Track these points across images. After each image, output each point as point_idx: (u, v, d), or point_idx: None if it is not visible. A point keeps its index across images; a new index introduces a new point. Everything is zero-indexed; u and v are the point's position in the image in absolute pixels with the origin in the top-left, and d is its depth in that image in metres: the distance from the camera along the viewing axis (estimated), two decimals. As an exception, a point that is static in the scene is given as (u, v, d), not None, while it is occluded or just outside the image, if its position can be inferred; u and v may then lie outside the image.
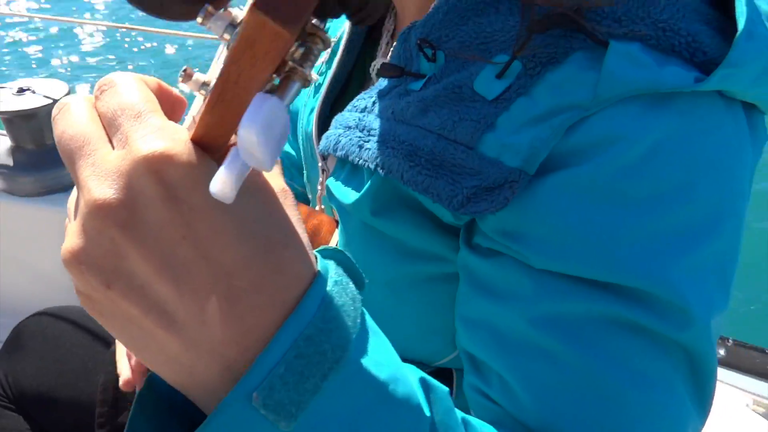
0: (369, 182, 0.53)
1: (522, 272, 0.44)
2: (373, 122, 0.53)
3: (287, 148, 0.90)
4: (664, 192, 0.42)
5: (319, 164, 0.69)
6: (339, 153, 0.55)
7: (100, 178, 0.28)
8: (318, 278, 0.32)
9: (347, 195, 0.55)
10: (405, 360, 0.37)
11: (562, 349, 0.43)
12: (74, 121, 0.30)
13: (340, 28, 0.72)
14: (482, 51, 0.47)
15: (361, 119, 0.54)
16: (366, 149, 0.52)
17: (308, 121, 0.73)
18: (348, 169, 0.57)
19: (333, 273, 0.34)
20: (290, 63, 0.28)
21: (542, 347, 0.44)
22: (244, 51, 0.25)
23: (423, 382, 0.37)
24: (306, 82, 0.28)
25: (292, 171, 0.89)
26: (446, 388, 0.37)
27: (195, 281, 0.29)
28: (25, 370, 0.98)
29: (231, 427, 0.29)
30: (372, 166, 0.51)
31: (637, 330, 0.42)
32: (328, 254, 0.35)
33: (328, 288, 0.32)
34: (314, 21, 0.28)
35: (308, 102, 0.74)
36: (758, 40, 0.43)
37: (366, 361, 0.32)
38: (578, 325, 0.43)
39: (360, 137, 0.53)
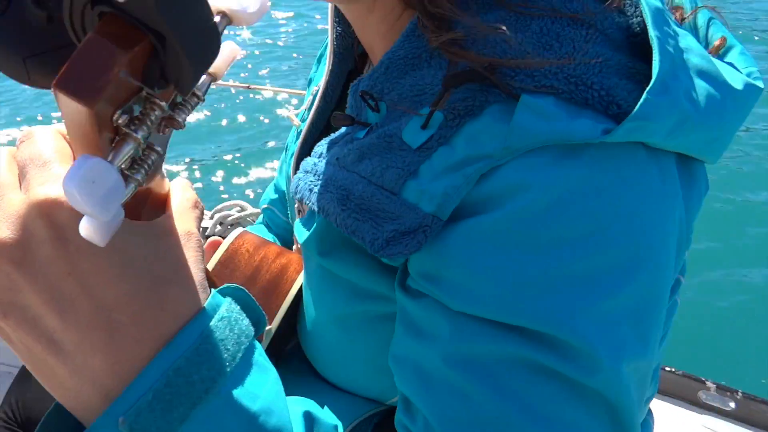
0: (315, 224, 0.56)
1: (441, 313, 0.46)
2: (323, 167, 0.56)
3: (283, 186, 0.94)
4: (571, 239, 0.43)
5: (296, 205, 0.73)
6: (297, 196, 0.58)
7: (1, 221, 0.32)
8: (200, 314, 0.35)
9: (303, 235, 0.59)
10: (360, 397, 0.39)
11: (474, 389, 0.44)
12: None
13: (322, 77, 0.76)
14: (415, 103, 0.49)
15: (316, 164, 0.57)
16: (314, 193, 0.55)
17: (288, 164, 0.77)
18: (308, 211, 0.60)
19: (223, 309, 0.37)
20: (122, 128, 0.31)
21: (456, 386, 0.45)
22: (65, 122, 0.30)
23: (307, 416, 0.40)
24: (138, 143, 0.31)
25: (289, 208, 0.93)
26: (334, 423, 0.39)
27: (78, 314, 0.32)
28: (32, 396, 1.03)
29: None
30: (316, 209, 0.54)
31: (547, 373, 0.43)
32: (228, 291, 0.39)
33: (211, 323, 0.35)
34: (148, 90, 0.32)
35: (291, 146, 0.78)
36: (673, 93, 0.44)
37: (238, 393, 0.35)
38: (490, 367, 0.44)
39: (311, 181, 0.56)
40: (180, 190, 0.42)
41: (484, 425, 0.44)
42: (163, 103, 0.33)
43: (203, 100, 0.38)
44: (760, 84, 0.55)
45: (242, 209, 1.73)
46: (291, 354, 0.77)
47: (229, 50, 0.40)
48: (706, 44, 0.57)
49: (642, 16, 0.47)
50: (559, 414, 0.43)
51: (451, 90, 0.46)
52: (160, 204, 0.40)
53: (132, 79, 0.31)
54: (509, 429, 0.43)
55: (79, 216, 0.31)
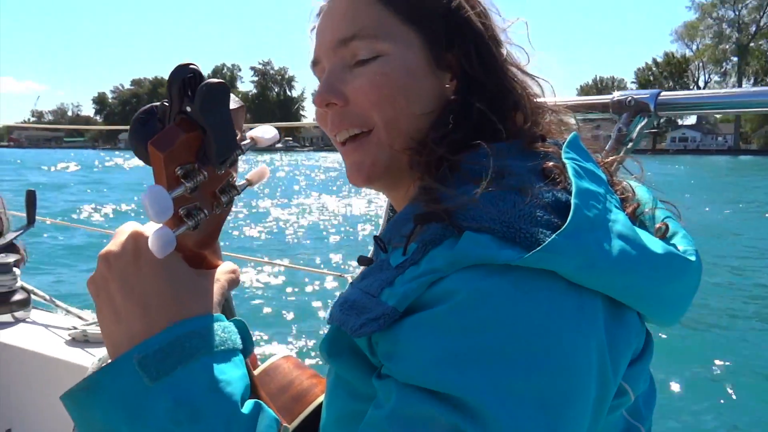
0: (329, 330, 0.71)
1: (393, 385, 0.61)
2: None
3: None
4: (487, 328, 0.58)
5: None
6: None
7: (114, 243, 0.67)
8: (206, 315, 0.66)
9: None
10: None
11: None
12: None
13: None
14: (402, 240, 0.69)
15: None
16: (331, 308, 0.71)
17: None
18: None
19: (224, 323, 0.67)
20: (180, 178, 0.62)
21: None
22: (152, 164, 0.62)
23: (257, 403, 0.64)
24: (186, 189, 0.62)
25: None
26: (274, 416, 0.65)
27: (133, 297, 0.64)
28: None
29: (120, 369, 0.60)
30: (328, 317, 0.71)
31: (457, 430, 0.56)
32: (233, 320, 0.69)
33: (209, 323, 0.65)
34: (198, 162, 0.64)
35: None
36: (582, 239, 0.61)
37: (211, 364, 0.62)
38: (421, 426, 0.57)
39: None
40: (227, 264, 0.74)
41: None
42: (205, 172, 0.63)
43: (240, 193, 0.70)
44: (691, 257, 0.73)
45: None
46: None
47: (261, 169, 0.76)
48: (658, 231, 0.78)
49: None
50: None
51: (419, 226, 0.67)
52: (212, 267, 0.73)
53: (186, 153, 0.62)
54: None
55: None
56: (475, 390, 0.56)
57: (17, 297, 2.44)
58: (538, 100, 0.85)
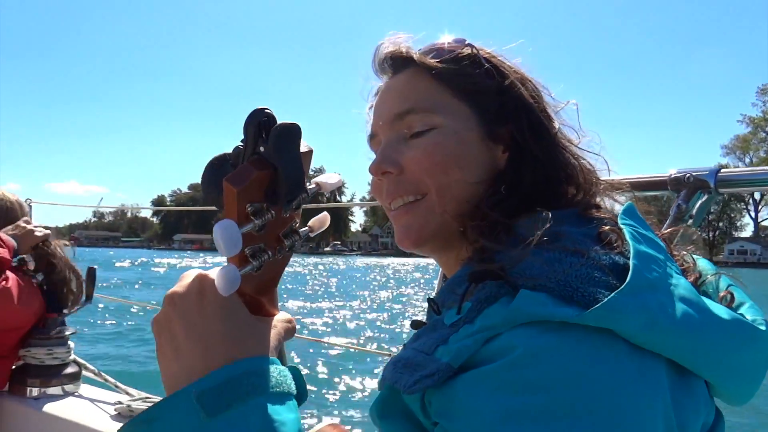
0: (380, 392, 0.72)
1: None
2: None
3: None
4: (543, 386, 0.57)
5: None
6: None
7: (180, 285, 0.68)
8: (262, 358, 0.65)
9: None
10: None
11: None
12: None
13: None
14: (456, 299, 0.70)
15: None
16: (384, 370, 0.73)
17: None
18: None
19: (279, 367, 0.65)
20: (249, 215, 0.64)
21: None
22: (225, 200, 0.64)
23: None
24: (254, 226, 0.64)
25: None
26: None
27: (195, 335, 0.64)
28: None
29: (178, 404, 0.59)
30: (380, 380, 0.72)
31: None
32: (289, 367, 0.68)
33: (265, 365, 0.64)
34: (267, 202, 0.66)
35: None
36: (642, 299, 0.61)
37: (266, 405, 0.60)
38: None
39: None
40: (283, 313, 0.74)
41: None
42: (273, 212, 0.66)
43: (302, 239, 0.72)
44: (761, 327, 0.70)
45: None
46: None
47: (323, 216, 0.77)
48: (723, 299, 0.76)
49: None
50: None
51: (474, 284, 0.68)
52: (269, 316, 0.73)
53: (257, 191, 0.64)
54: None
55: (215, 287, 0.64)
56: None
57: (69, 370, 2.48)
58: (592, 175, 0.86)
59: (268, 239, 0.68)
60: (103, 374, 2.61)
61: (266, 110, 0.65)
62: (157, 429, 0.59)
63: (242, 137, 0.66)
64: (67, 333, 2.48)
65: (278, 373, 0.65)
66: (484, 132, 0.85)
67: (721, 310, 0.68)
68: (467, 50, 0.87)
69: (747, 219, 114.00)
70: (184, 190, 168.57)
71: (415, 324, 0.80)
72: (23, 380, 2.40)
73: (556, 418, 0.56)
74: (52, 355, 2.42)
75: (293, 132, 0.65)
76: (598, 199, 0.84)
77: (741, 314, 0.72)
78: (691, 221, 1.27)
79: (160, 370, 0.66)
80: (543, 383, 0.57)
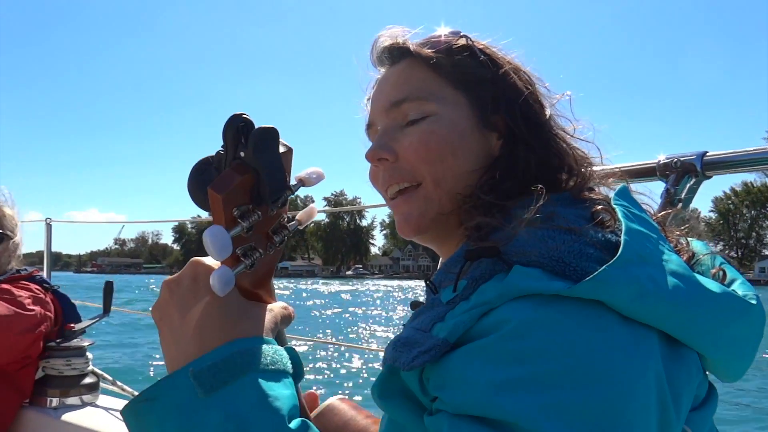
0: (380, 372, 0.74)
1: (445, 418, 0.63)
2: None
3: None
4: (536, 355, 0.59)
5: None
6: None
7: (180, 274, 0.72)
8: (257, 337, 0.68)
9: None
10: None
11: None
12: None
13: None
14: (452, 279, 0.73)
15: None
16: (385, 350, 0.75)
17: None
18: None
19: (275, 346, 0.68)
20: (237, 219, 0.66)
21: None
22: (211, 207, 0.66)
23: (304, 422, 0.64)
24: (242, 228, 0.66)
25: None
26: None
27: (190, 319, 0.67)
28: None
29: (176, 382, 0.62)
30: (382, 360, 0.74)
31: None
32: (286, 348, 0.71)
33: (260, 345, 0.67)
34: (253, 203, 0.68)
35: None
36: (632, 271, 0.63)
37: (260, 381, 0.63)
38: None
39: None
40: (281, 302, 0.77)
41: None
42: (259, 212, 0.68)
43: (291, 233, 0.74)
44: (752, 301, 0.72)
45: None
46: None
47: (310, 208, 0.82)
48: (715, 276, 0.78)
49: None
50: None
51: (469, 263, 0.70)
52: (266, 303, 0.76)
53: (242, 194, 0.66)
54: None
55: (209, 272, 0.68)
56: (527, 415, 0.57)
57: (87, 381, 2.52)
58: (585, 161, 0.88)
59: (259, 238, 0.70)
60: (119, 383, 2.65)
61: (243, 115, 0.67)
62: (157, 407, 0.62)
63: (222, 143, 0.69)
64: (84, 344, 2.52)
65: (273, 352, 0.67)
66: (479, 120, 0.87)
67: (712, 285, 0.69)
68: (462, 41, 0.90)
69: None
70: (205, 216, 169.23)
71: (414, 305, 0.83)
72: (44, 391, 2.44)
73: (549, 387, 0.57)
74: (70, 366, 2.46)
75: (270, 134, 0.67)
76: (592, 185, 0.85)
77: (733, 290, 0.73)
78: (680, 205, 1.30)
79: (163, 354, 0.70)
80: (536, 353, 0.59)
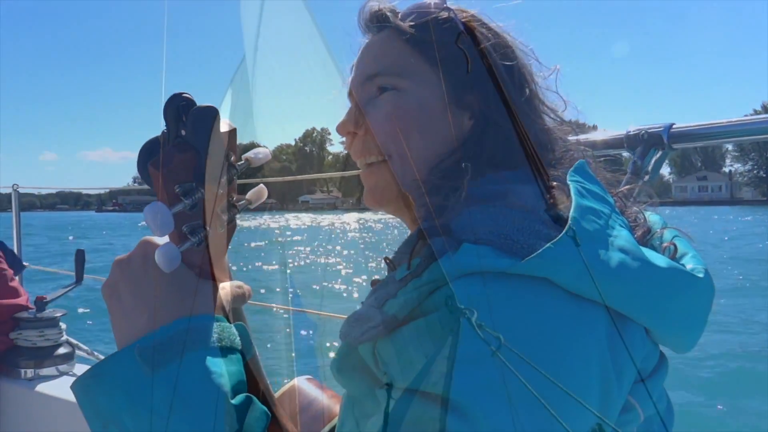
0: (339, 348, 0.75)
1: (391, 392, 0.64)
2: None
3: None
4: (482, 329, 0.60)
5: None
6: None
7: (132, 253, 0.72)
8: (206, 315, 0.69)
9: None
10: None
11: None
12: None
13: None
14: (406, 254, 0.73)
15: None
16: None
17: None
18: None
19: (223, 324, 0.70)
20: (179, 196, 0.67)
21: None
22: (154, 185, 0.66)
23: (247, 398, 0.67)
24: (185, 205, 0.67)
25: None
26: (264, 410, 0.68)
27: (141, 297, 0.69)
28: None
29: (122, 359, 0.65)
30: (339, 335, 0.75)
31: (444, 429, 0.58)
32: (236, 325, 0.72)
33: (209, 322, 0.68)
34: (195, 182, 0.69)
35: None
36: (573, 246, 0.63)
37: (206, 357, 0.66)
38: (413, 425, 0.60)
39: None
40: (236, 281, 0.79)
41: None
42: (202, 191, 0.68)
43: (239, 211, 0.76)
44: (699, 274, 0.74)
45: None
46: None
47: (259, 188, 0.81)
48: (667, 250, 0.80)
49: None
50: None
51: (421, 241, 0.71)
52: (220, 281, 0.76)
53: (184, 172, 0.67)
54: None
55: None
56: (464, 390, 0.58)
57: (61, 351, 2.52)
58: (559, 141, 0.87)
59: (206, 215, 0.71)
60: (96, 354, 2.65)
61: (184, 95, 0.68)
62: (105, 383, 0.65)
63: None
64: (57, 314, 2.51)
65: (221, 329, 0.69)
66: (451, 99, 0.85)
67: (660, 260, 0.70)
68: (444, 14, 0.86)
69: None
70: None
71: (373, 282, 0.83)
72: (16, 362, 2.44)
73: (488, 359, 0.58)
74: (44, 337, 2.46)
75: (209, 115, 0.68)
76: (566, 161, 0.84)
77: (682, 264, 0.75)
78: (647, 177, 1.31)
79: (113, 331, 0.71)
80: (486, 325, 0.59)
